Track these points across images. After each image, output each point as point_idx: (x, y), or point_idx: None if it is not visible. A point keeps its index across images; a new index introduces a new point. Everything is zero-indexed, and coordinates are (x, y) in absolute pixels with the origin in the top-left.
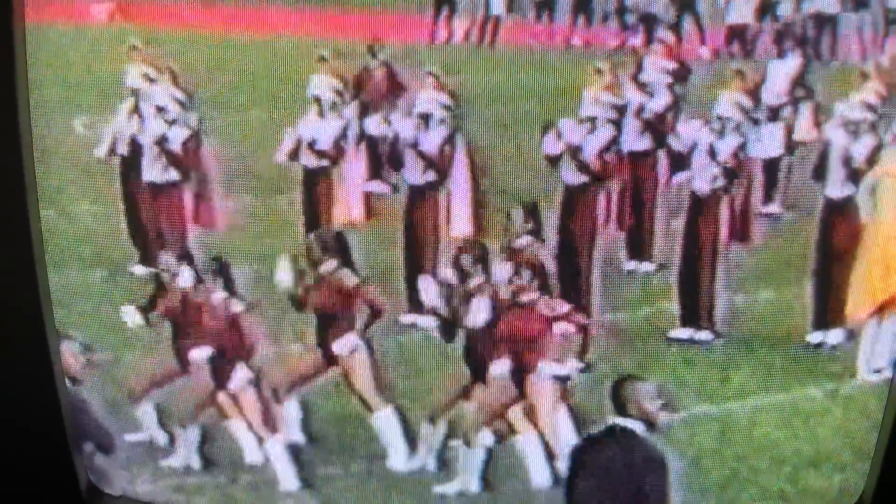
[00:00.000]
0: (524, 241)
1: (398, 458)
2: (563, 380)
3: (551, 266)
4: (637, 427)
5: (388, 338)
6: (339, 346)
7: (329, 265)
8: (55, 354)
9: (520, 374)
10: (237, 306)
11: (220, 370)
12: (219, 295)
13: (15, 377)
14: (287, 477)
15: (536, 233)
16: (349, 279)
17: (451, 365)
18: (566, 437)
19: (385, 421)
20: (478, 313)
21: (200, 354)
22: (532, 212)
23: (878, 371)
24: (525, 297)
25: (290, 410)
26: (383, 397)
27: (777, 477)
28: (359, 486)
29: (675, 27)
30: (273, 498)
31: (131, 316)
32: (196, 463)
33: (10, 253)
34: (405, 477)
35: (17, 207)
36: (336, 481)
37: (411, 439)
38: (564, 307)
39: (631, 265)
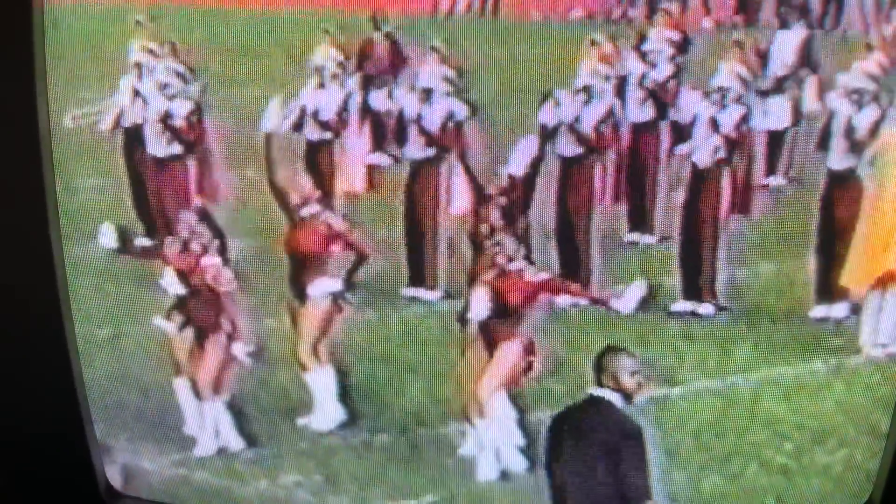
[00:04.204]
0: (503, 201)
1: (324, 420)
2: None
3: (536, 236)
4: (615, 399)
5: (390, 311)
6: (316, 289)
7: (313, 208)
8: (73, 352)
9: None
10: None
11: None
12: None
13: (34, 373)
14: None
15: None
16: (336, 222)
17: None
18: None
19: (321, 380)
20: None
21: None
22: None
23: (883, 346)
24: (513, 266)
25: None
26: (327, 355)
27: (780, 452)
28: (362, 457)
29: None
30: (276, 470)
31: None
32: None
33: (27, 235)
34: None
35: (34, 186)
36: (339, 452)
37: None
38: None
39: (632, 237)
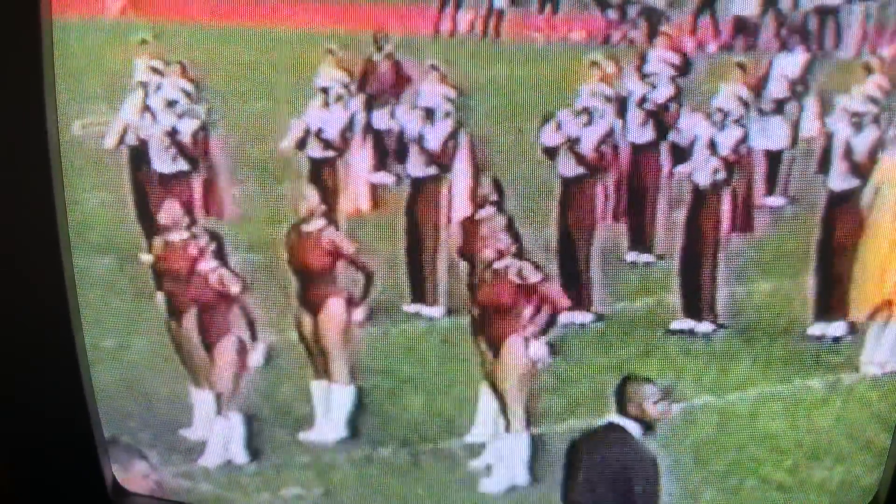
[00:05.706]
0: (486, 212)
1: (325, 433)
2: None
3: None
4: (633, 428)
5: (392, 326)
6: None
7: (318, 223)
8: (81, 351)
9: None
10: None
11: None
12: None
13: (42, 375)
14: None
15: (499, 205)
16: (340, 238)
17: (455, 351)
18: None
19: (324, 393)
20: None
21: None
22: (496, 184)
23: (881, 364)
24: (501, 263)
25: None
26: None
27: (778, 468)
28: (363, 470)
29: (678, 21)
30: (278, 483)
31: None
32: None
33: (37, 243)
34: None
35: (44, 200)
36: (340, 466)
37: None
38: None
39: (632, 256)
